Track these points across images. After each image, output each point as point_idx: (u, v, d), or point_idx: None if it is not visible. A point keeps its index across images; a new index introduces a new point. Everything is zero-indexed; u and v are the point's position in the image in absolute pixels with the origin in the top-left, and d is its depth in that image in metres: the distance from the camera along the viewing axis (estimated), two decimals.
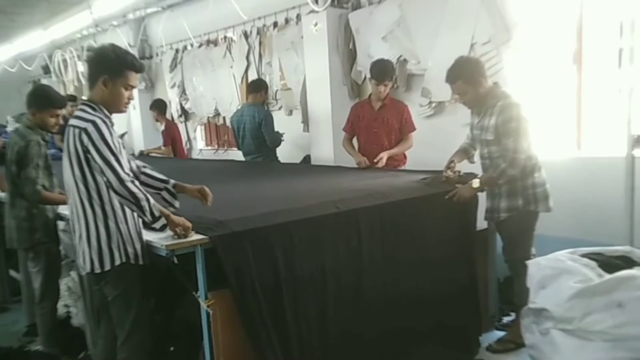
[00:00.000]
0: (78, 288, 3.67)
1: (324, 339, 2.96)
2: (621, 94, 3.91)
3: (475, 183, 3.32)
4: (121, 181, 2.39)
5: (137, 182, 2.46)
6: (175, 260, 2.60)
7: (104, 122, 2.50)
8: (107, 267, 2.54)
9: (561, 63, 4.19)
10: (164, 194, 2.87)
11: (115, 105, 2.63)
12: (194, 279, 2.67)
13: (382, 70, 4.46)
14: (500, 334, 3.76)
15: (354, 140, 4.88)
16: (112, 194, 2.48)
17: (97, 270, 2.55)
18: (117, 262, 2.54)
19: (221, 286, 2.70)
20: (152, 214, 2.44)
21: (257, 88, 5.84)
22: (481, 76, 3.37)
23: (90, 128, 2.44)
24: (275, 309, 2.77)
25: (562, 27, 4.15)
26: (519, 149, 3.21)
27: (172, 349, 3.25)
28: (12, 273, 5.03)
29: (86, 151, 2.44)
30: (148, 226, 2.57)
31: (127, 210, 2.58)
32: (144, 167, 2.89)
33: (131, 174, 2.49)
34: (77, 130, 2.47)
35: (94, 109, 2.55)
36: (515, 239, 3.49)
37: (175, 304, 3.23)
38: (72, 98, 8.04)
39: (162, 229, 2.53)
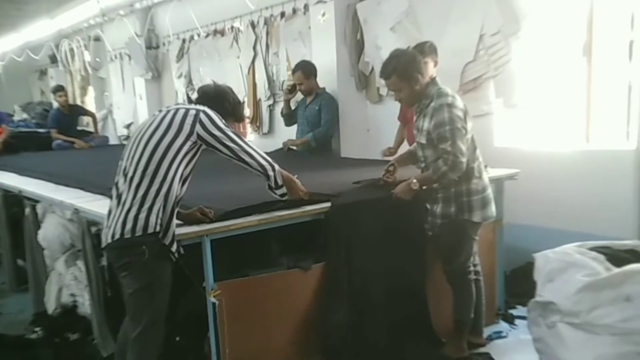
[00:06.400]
0: (84, 277, 3.69)
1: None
2: (631, 87, 3.88)
3: (415, 185, 3.09)
4: (252, 157, 2.56)
5: (264, 154, 2.60)
6: (182, 250, 2.61)
7: None
8: (139, 232, 2.43)
9: (571, 55, 4.14)
10: None
11: None
12: (200, 269, 2.68)
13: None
14: (505, 326, 3.76)
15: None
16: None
17: (128, 235, 2.43)
18: (151, 230, 2.44)
19: (227, 277, 2.71)
20: (275, 182, 2.62)
21: None
22: (417, 71, 3.11)
23: (208, 110, 2.59)
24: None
25: (572, 18, 4.09)
26: (458, 152, 2.96)
27: (177, 339, 3.26)
28: (20, 262, 5.07)
29: (201, 124, 2.51)
30: (272, 190, 2.70)
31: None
32: None
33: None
34: (193, 110, 2.56)
35: None
36: (451, 249, 3.27)
37: (180, 293, 3.23)
38: (60, 88, 8.09)
39: (282, 196, 2.72)
